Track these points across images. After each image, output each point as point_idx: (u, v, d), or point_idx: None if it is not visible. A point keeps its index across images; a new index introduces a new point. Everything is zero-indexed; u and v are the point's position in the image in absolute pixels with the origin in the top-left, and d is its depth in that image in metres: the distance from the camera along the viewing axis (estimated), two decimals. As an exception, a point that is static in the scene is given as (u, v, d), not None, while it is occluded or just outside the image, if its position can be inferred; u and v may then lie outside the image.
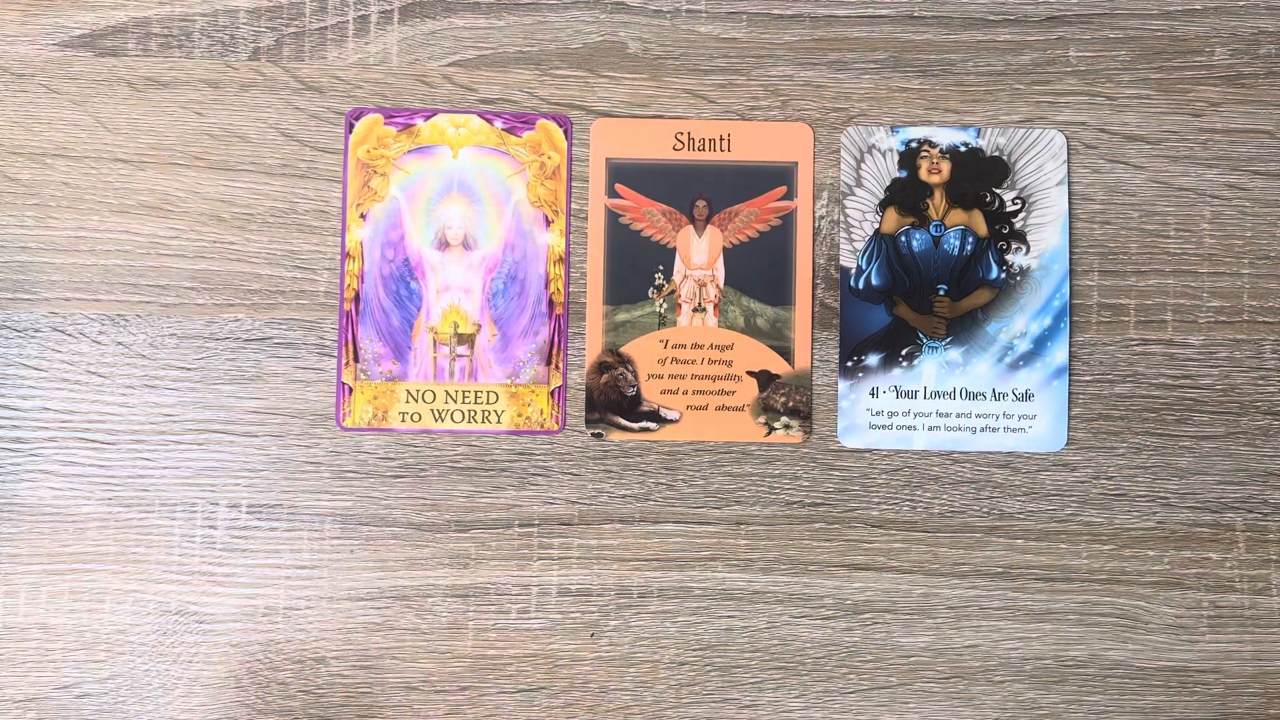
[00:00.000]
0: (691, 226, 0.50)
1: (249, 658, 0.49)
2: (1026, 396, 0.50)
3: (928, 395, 0.50)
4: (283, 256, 0.50)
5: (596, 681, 0.49)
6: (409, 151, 0.50)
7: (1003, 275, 0.50)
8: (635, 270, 0.50)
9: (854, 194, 0.50)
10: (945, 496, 0.50)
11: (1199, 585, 0.49)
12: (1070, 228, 0.50)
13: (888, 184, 0.50)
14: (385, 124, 0.50)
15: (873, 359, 0.50)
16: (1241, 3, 0.50)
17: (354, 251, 0.50)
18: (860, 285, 0.50)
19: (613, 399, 0.50)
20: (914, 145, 0.50)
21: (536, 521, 0.49)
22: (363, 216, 0.50)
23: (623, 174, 0.50)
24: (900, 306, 0.50)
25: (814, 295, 0.50)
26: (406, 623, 0.49)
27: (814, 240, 0.50)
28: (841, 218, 0.50)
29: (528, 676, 0.49)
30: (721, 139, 0.50)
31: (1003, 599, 0.49)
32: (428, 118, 0.50)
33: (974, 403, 0.50)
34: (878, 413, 0.50)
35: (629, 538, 0.49)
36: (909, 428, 0.50)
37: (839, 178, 0.50)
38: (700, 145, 0.50)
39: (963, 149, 0.50)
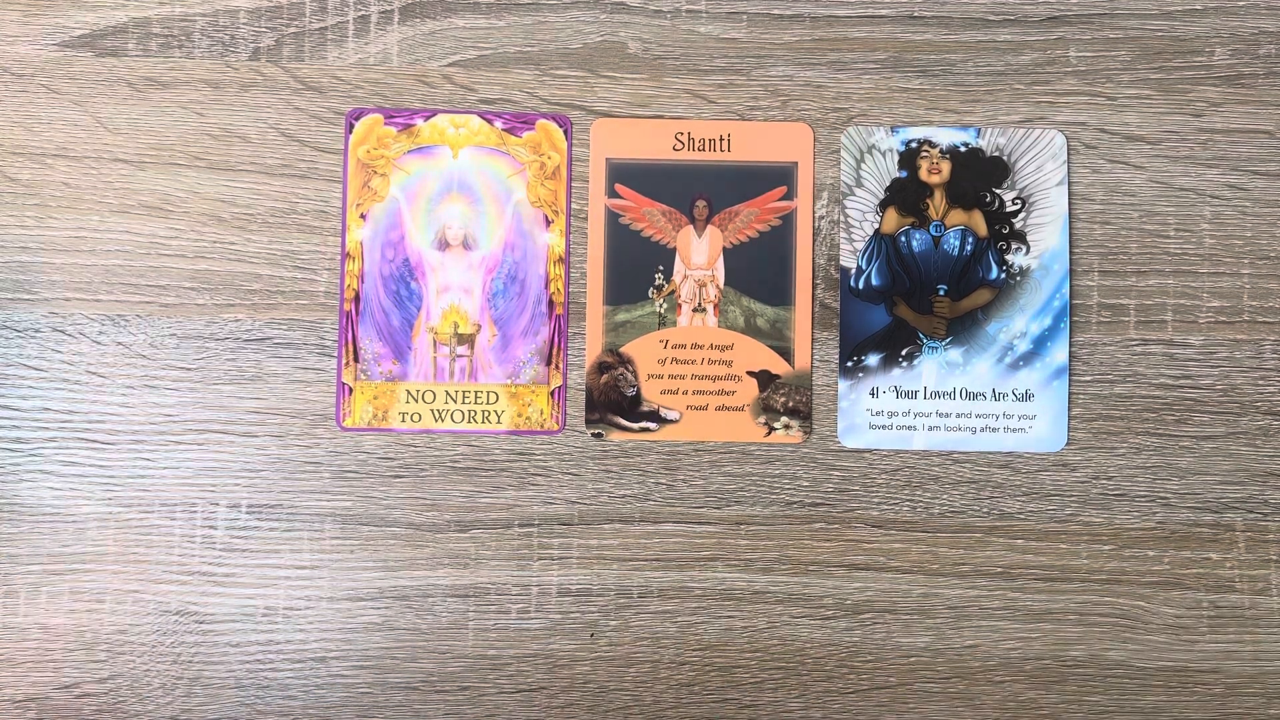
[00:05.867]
0: (691, 226, 0.50)
1: (249, 658, 0.49)
2: (1026, 396, 0.50)
3: (928, 395, 0.50)
4: (283, 256, 0.50)
5: (596, 681, 0.49)
6: (409, 151, 0.50)
7: (1003, 275, 0.50)
8: (635, 270, 0.50)
9: (854, 194, 0.50)
10: (945, 496, 0.49)
11: (1199, 585, 0.49)
12: (1070, 228, 0.50)
13: (888, 184, 0.50)
14: (385, 124, 0.50)
15: (873, 359, 0.50)
16: (1241, 3, 0.50)
17: (354, 251, 0.50)
18: (860, 285, 0.50)
19: (613, 399, 0.50)
20: (914, 145, 0.50)
21: (536, 521, 0.49)
22: (363, 216, 0.50)
23: (623, 174, 0.50)
24: (900, 307, 0.50)
25: (814, 295, 0.50)
26: (406, 623, 0.49)
27: (814, 240, 0.50)
28: (841, 218, 0.50)
29: (528, 676, 0.49)
30: (721, 139, 0.50)
31: (1003, 599, 0.49)
32: (428, 118, 0.50)
33: (974, 403, 0.50)
34: (878, 413, 0.50)
35: (629, 538, 0.49)
36: (909, 428, 0.50)
37: (839, 178, 0.50)
38: (700, 145, 0.50)
39: (963, 149, 0.50)
